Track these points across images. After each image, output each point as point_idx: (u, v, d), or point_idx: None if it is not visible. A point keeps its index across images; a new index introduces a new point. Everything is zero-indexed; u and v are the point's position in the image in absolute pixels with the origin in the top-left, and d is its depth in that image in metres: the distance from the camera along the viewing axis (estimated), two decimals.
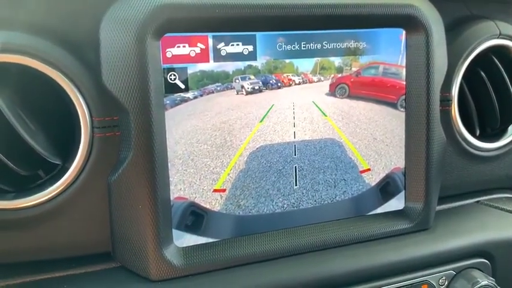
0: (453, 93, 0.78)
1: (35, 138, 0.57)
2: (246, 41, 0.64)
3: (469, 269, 0.75)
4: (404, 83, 0.73)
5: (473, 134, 0.82)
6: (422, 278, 0.72)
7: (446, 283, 0.74)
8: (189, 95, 0.63)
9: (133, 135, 0.58)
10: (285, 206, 0.69)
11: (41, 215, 0.59)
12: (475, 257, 0.76)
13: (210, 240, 0.66)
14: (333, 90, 0.70)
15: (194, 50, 0.62)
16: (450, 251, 0.74)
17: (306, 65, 0.68)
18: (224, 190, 0.66)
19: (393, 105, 0.73)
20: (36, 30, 0.57)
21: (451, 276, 0.74)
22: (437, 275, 0.73)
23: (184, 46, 0.61)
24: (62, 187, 0.59)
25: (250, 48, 0.65)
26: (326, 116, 0.70)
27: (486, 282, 0.72)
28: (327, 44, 0.68)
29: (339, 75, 0.70)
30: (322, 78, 0.69)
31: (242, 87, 0.65)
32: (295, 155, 0.69)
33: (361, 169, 0.73)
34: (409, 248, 0.73)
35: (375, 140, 0.73)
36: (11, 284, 0.60)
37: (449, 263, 0.74)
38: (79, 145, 0.59)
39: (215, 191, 0.65)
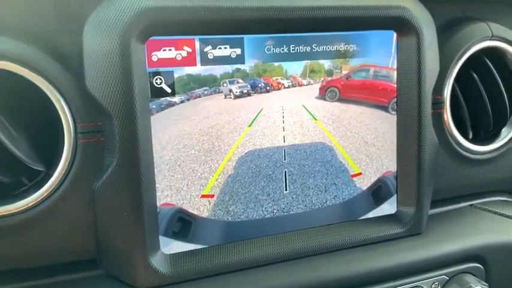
0: (445, 96, 0.77)
1: (17, 145, 0.56)
2: (233, 44, 0.63)
3: (462, 274, 0.74)
4: (395, 85, 0.72)
5: (466, 137, 0.81)
6: (414, 283, 0.71)
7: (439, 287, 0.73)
8: (176, 99, 0.61)
9: (117, 140, 0.57)
10: (275, 211, 0.68)
11: (25, 221, 0.58)
12: (468, 261, 0.75)
13: (199, 246, 0.64)
14: (323, 94, 0.69)
15: (181, 54, 0.61)
16: (443, 256, 0.73)
17: (295, 68, 0.67)
18: (212, 196, 0.65)
19: (384, 109, 0.72)
20: (19, 35, 0.56)
21: (444, 281, 0.73)
22: (430, 280, 0.72)
23: (170, 49, 0.60)
24: (46, 194, 0.58)
25: (238, 51, 0.63)
26: (316, 119, 0.69)
27: (480, 286, 0.71)
28: (316, 46, 0.67)
29: (329, 78, 0.69)
30: (311, 81, 0.68)
31: (230, 91, 0.64)
32: (284, 159, 0.68)
33: (352, 173, 0.72)
34: (401, 253, 0.72)
35: (366, 144, 0.72)
36: None
37: (442, 267, 0.73)
38: (62, 151, 0.58)
39: (203, 196, 0.64)
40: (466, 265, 0.74)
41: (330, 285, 0.67)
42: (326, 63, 0.68)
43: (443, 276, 0.73)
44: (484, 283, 0.73)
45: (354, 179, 0.72)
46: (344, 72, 0.70)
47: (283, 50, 0.66)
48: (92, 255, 0.63)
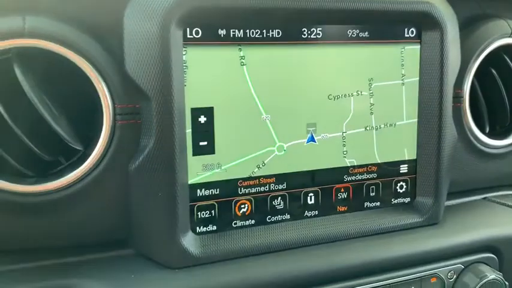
0: (465, 90, 0.79)
1: (58, 123, 0.57)
2: None
3: (477, 264, 0.76)
4: None
5: (482, 131, 0.83)
6: (431, 271, 0.73)
7: (454, 276, 0.75)
8: None
9: (154, 123, 0.59)
10: None
11: (61, 200, 0.60)
12: (482, 251, 0.77)
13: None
14: None
15: None
16: (458, 246, 0.75)
17: None
18: None
19: None
20: (62, 16, 0.57)
21: (460, 270, 0.75)
22: (446, 269, 0.74)
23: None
24: (83, 173, 0.60)
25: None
26: None
27: (494, 276, 0.74)
28: None
29: None
30: None
31: None
32: None
33: None
34: (419, 241, 0.74)
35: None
36: (27, 268, 0.61)
37: (457, 257, 0.75)
38: (100, 132, 0.60)
39: None
40: (480, 255, 0.77)
41: (350, 270, 0.69)
42: None
43: (458, 265, 0.75)
44: (499, 272, 0.75)
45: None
46: None
47: None
48: (123, 235, 0.65)
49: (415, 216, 0.76)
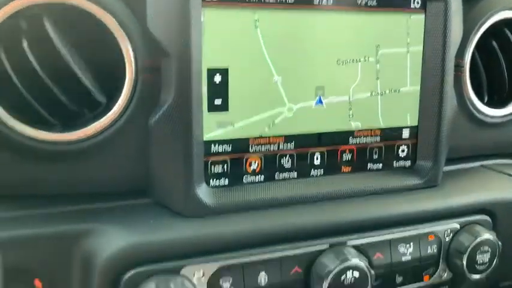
0: (466, 61, 0.83)
1: (85, 75, 0.61)
2: None
3: (473, 224, 0.80)
4: None
5: (481, 100, 0.87)
6: (429, 229, 0.77)
7: (451, 235, 0.79)
8: None
9: (173, 79, 0.63)
10: None
11: (84, 149, 0.64)
12: (478, 213, 0.81)
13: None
14: None
15: None
16: (455, 207, 0.79)
17: None
18: None
19: None
20: None
21: (456, 230, 0.79)
22: (443, 228, 0.78)
23: None
24: (106, 124, 0.63)
25: None
26: None
27: (488, 235, 0.78)
28: None
29: None
30: None
31: None
32: None
33: None
34: (418, 202, 0.78)
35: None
36: (45, 213, 0.65)
37: (454, 217, 0.79)
38: (123, 86, 0.63)
39: None
40: (476, 217, 0.81)
41: (351, 225, 0.73)
42: None
43: (455, 225, 0.79)
44: (492, 232, 0.79)
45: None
46: None
47: None
48: (142, 186, 0.69)
49: (415, 179, 0.80)
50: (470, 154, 0.91)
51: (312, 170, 0.76)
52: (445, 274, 0.81)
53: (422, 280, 0.79)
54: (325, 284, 0.68)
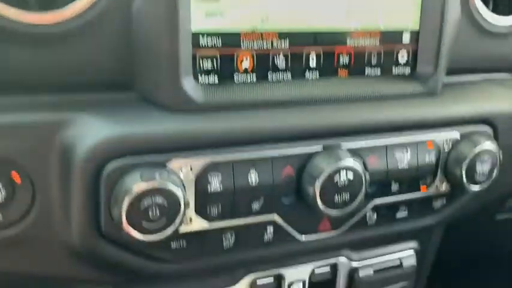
0: None
1: None
2: None
3: (473, 134, 0.77)
4: None
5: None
6: (427, 137, 0.74)
7: (450, 145, 0.76)
8: None
9: None
10: None
11: (65, 33, 0.59)
12: (479, 123, 0.78)
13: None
14: None
15: None
16: (455, 116, 0.76)
17: None
18: None
19: None
20: None
21: (456, 139, 0.76)
22: (443, 136, 0.75)
23: None
24: (86, 6, 0.59)
25: None
26: None
27: (489, 144, 0.75)
28: None
29: None
30: None
31: None
32: None
33: None
34: (416, 108, 0.75)
35: None
36: (31, 102, 0.61)
37: (454, 126, 0.76)
38: None
39: None
40: (476, 127, 0.78)
41: (347, 128, 0.70)
42: None
43: (455, 134, 0.76)
44: (494, 141, 0.76)
45: None
46: None
47: None
48: (127, 79, 0.65)
49: (415, 86, 0.76)
50: (472, 66, 0.87)
51: (307, 72, 0.72)
52: (443, 186, 0.78)
53: (418, 190, 0.77)
54: (318, 185, 0.65)
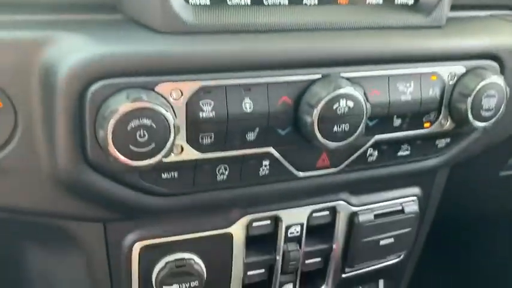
0: None
1: None
2: None
3: (479, 68, 0.73)
4: None
5: None
6: (431, 69, 0.71)
7: (455, 79, 0.72)
8: None
9: None
10: None
11: None
12: (485, 58, 0.74)
13: None
14: None
15: None
16: (461, 48, 0.73)
17: None
18: None
19: None
20: None
21: (461, 73, 0.73)
22: (447, 69, 0.72)
23: None
24: None
25: None
26: None
27: (496, 78, 0.71)
28: None
29: None
30: None
31: None
32: None
33: None
34: (420, 39, 0.71)
35: None
36: (12, 20, 0.58)
37: (459, 60, 0.73)
38: None
39: None
40: (483, 61, 0.74)
41: (346, 57, 0.66)
42: None
43: (460, 67, 0.72)
44: (501, 75, 0.73)
45: None
46: None
47: None
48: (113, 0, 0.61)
49: (418, 16, 0.73)
50: (478, 3, 0.83)
51: None
52: (447, 123, 0.75)
53: (422, 127, 0.73)
54: (316, 112, 0.62)
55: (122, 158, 0.55)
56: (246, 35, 0.63)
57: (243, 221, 0.76)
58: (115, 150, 0.54)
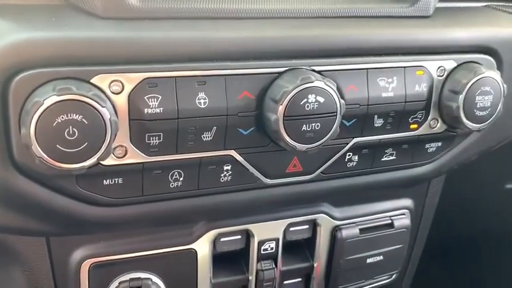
0: None
1: None
2: None
3: (472, 62, 0.65)
4: None
5: None
6: (417, 63, 0.63)
7: (445, 74, 0.64)
8: None
9: None
10: None
11: None
12: (478, 52, 0.66)
13: None
14: None
15: None
16: (451, 40, 0.65)
17: None
18: None
19: None
20: None
21: (451, 68, 0.65)
22: (435, 63, 0.64)
23: None
24: None
25: None
26: None
27: (491, 72, 0.63)
28: None
29: None
30: None
31: None
32: None
33: None
34: (404, 29, 0.64)
35: None
36: None
37: (449, 53, 0.65)
38: None
39: None
40: (476, 55, 0.66)
41: (320, 47, 0.58)
42: None
43: (450, 61, 0.64)
44: (497, 71, 0.65)
45: None
46: None
47: None
48: None
49: (402, 5, 0.65)
50: None
51: None
52: (438, 124, 0.67)
53: (408, 129, 0.65)
54: (281, 109, 0.54)
55: (48, 159, 0.47)
56: (201, 21, 0.55)
57: (209, 235, 0.68)
58: (39, 149, 0.47)
